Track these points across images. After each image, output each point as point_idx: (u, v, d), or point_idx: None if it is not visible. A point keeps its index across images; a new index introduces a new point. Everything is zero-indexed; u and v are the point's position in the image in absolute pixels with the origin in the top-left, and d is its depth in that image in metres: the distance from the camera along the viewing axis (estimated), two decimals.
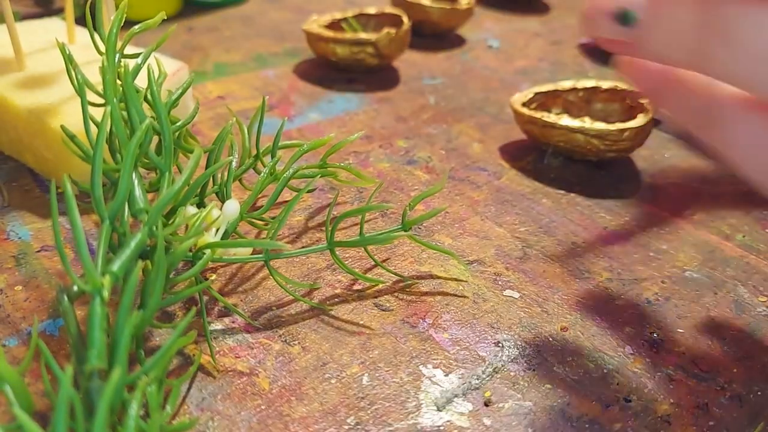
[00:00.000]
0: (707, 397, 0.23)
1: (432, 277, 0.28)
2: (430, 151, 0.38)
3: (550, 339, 0.25)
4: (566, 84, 0.39)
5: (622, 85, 0.38)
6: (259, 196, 0.29)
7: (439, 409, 0.22)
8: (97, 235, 0.29)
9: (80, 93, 0.24)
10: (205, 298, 0.26)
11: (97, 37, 0.27)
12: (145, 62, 0.26)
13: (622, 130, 0.34)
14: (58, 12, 0.52)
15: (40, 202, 0.31)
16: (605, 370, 0.24)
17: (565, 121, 0.35)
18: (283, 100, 0.43)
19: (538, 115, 0.36)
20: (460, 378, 0.24)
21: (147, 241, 0.20)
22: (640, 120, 0.35)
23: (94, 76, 0.28)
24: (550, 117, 0.35)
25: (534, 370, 0.24)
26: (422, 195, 0.26)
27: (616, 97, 0.38)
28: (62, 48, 0.26)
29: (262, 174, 0.29)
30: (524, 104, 0.38)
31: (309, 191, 0.33)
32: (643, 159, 0.38)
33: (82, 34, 0.38)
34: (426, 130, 0.40)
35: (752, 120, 0.20)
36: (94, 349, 0.17)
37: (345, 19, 0.49)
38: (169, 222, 0.24)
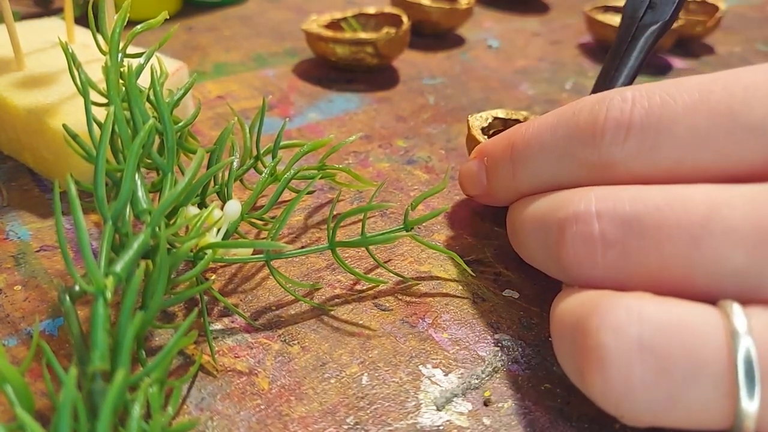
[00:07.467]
0: None
1: (432, 277, 0.28)
2: (430, 150, 0.38)
3: (550, 338, 0.26)
4: (524, 113, 0.35)
5: None
6: (259, 196, 0.29)
7: (438, 409, 0.22)
8: (97, 236, 0.29)
9: (83, 93, 0.24)
10: (206, 298, 0.26)
11: (99, 36, 0.27)
12: (147, 62, 0.26)
13: None
14: (58, 12, 0.51)
15: (39, 201, 0.31)
16: None
17: None
18: (282, 99, 0.43)
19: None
20: (459, 378, 0.24)
21: (150, 241, 0.20)
22: None
23: (94, 76, 0.28)
24: None
25: (534, 369, 0.24)
26: (424, 195, 0.27)
27: None
28: (65, 47, 0.26)
29: (263, 175, 0.29)
30: (483, 129, 0.33)
31: (308, 193, 0.33)
32: None
33: (81, 33, 0.38)
34: (426, 129, 0.40)
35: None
36: (98, 351, 0.17)
37: (344, 19, 0.49)
38: (171, 222, 0.24)
